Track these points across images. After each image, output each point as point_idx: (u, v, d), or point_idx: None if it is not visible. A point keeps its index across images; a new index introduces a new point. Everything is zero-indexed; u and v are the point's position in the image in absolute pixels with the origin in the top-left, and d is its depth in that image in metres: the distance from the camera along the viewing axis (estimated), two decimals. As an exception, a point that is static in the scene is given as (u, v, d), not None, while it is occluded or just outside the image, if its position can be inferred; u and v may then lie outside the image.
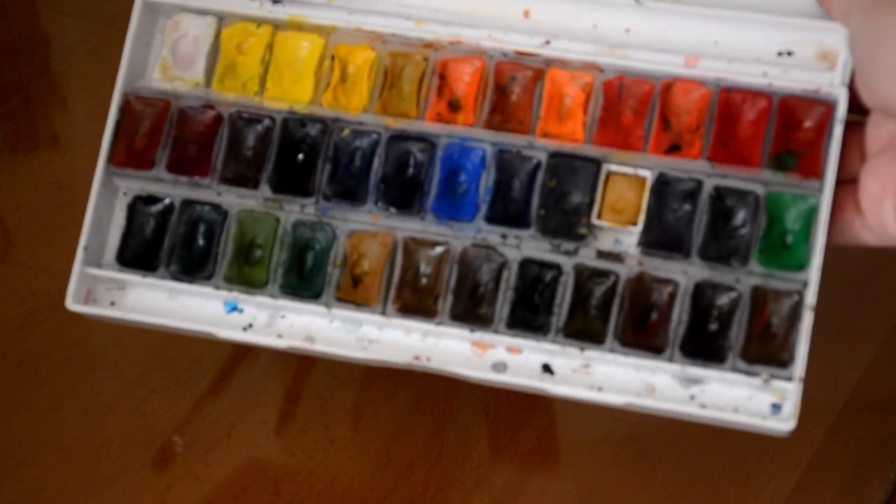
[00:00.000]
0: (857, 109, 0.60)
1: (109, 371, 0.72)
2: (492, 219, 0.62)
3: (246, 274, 0.63)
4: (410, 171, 0.63)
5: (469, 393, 0.70)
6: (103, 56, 0.83)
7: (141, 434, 0.70)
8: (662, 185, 0.61)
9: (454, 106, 0.64)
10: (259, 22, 0.65)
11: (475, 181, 0.62)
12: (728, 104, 0.61)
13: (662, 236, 0.61)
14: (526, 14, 0.64)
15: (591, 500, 0.69)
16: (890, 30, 0.55)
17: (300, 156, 0.64)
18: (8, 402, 0.71)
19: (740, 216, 0.60)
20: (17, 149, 0.81)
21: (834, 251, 0.60)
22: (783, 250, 0.60)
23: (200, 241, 0.64)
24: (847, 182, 0.60)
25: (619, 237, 0.62)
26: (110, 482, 0.69)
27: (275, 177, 0.63)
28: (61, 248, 0.72)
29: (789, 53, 0.62)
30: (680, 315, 0.60)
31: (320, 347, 0.62)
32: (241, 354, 0.72)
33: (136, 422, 0.71)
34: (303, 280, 0.63)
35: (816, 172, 0.60)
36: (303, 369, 0.72)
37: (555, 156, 0.62)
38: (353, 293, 0.62)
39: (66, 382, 0.72)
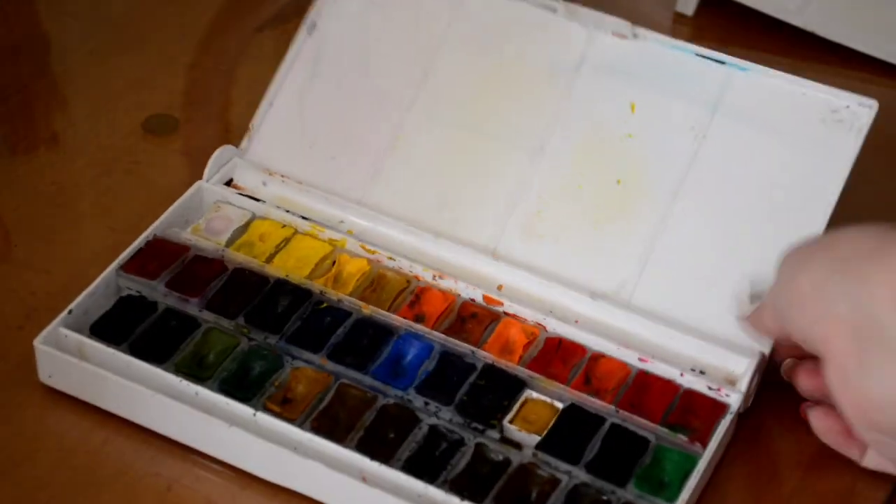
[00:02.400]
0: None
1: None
2: (420, 390, 0.70)
3: (194, 370, 0.71)
4: (365, 342, 0.72)
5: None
6: (103, 56, 0.86)
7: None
8: (571, 411, 0.70)
9: (419, 319, 0.74)
10: (285, 224, 0.78)
11: (417, 365, 0.72)
12: (643, 381, 0.72)
13: (560, 446, 0.68)
14: (499, 287, 0.76)
15: None
16: None
17: (279, 308, 0.74)
18: (8, 402, 0.71)
19: (630, 452, 0.68)
20: (17, 149, 0.82)
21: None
22: (658, 486, 0.67)
23: (167, 336, 0.72)
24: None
25: (524, 441, 0.69)
26: (110, 482, 0.68)
27: (252, 313, 0.73)
28: (61, 248, 0.76)
29: (702, 372, 0.73)
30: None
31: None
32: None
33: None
34: (242, 388, 0.70)
35: (703, 443, 0.69)
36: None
37: (490, 367, 0.72)
38: (280, 408, 0.69)
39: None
